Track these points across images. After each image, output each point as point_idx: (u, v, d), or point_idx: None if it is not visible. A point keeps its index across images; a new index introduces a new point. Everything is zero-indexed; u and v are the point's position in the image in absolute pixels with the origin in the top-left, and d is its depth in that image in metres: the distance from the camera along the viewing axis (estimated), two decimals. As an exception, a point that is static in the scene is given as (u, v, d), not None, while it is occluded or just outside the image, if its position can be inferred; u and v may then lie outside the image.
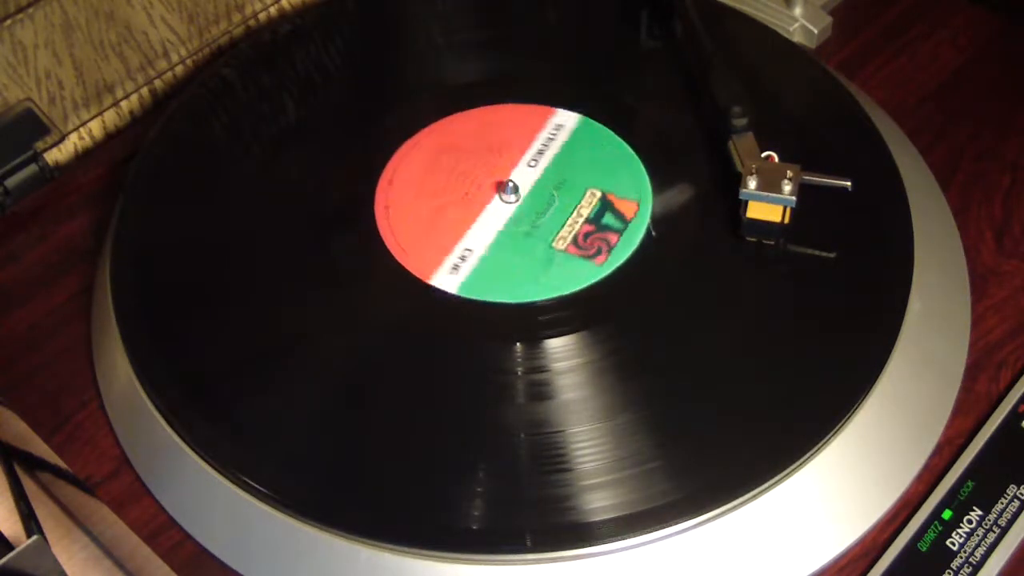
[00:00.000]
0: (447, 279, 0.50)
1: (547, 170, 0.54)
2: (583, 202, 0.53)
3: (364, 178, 0.54)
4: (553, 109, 0.57)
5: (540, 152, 0.55)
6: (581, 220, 0.52)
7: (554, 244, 0.51)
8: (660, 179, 0.54)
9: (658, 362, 0.48)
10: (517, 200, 0.53)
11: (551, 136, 0.56)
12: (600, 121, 0.56)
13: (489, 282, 0.50)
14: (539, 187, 0.54)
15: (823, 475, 0.45)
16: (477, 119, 0.57)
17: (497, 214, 0.53)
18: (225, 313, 0.51)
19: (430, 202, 0.53)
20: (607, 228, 0.52)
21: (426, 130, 0.56)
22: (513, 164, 0.55)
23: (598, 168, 0.54)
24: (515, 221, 0.53)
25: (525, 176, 0.54)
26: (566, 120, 0.57)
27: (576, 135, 0.56)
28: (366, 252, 0.52)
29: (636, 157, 0.55)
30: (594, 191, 0.53)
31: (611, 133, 0.56)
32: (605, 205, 0.53)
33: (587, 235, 0.51)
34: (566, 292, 0.50)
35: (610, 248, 0.51)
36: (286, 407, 0.47)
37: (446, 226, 0.52)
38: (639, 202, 0.53)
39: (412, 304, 0.50)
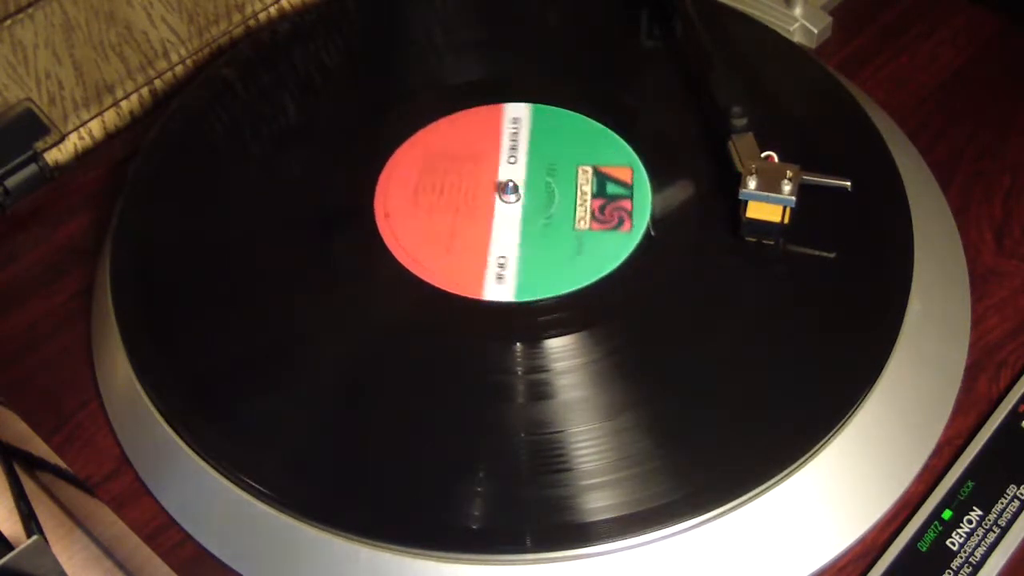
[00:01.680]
0: (497, 290, 0.50)
1: (530, 162, 0.55)
2: (580, 180, 0.53)
3: (364, 178, 0.54)
4: (501, 105, 0.57)
5: (513, 148, 0.55)
6: (588, 196, 0.52)
7: (576, 226, 0.52)
8: (660, 179, 0.54)
9: (658, 362, 0.48)
10: (519, 199, 0.53)
11: (514, 130, 0.56)
12: (598, 120, 0.56)
13: (538, 280, 0.50)
14: (532, 180, 0.54)
15: (823, 475, 0.45)
16: (439, 132, 0.57)
17: (508, 216, 0.53)
18: (225, 313, 0.51)
19: (431, 219, 0.53)
20: (616, 196, 0.52)
21: (407, 143, 0.56)
22: (495, 165, 0.55)
23: (574, 146, 0.55)
24: (529, 218, 0.53)
25: (513, 173, 0.54)
26: (518, 112, 0.57)
27: (536, 123, 0.56)
28: (366, 252, 0.52)
29: (603, 126, 0.56)
30: (584, 168, 0.53)
31: (568, 112, 0.56)
32: (601, 177, 0.53)
33: (602, 208, 0.52)
34: (615, 265, 0.50)
35: (629, 214, 0.52)
36: (286, 407, 0.47)
37: (465, 241, 0.52)
38: (631, 166, 0.53)
39: (413, 304, 0.50)
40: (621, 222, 0.51)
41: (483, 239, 0.52)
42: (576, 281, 0.50)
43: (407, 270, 0.51)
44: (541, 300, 0.49)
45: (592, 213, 0.52)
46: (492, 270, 0.51)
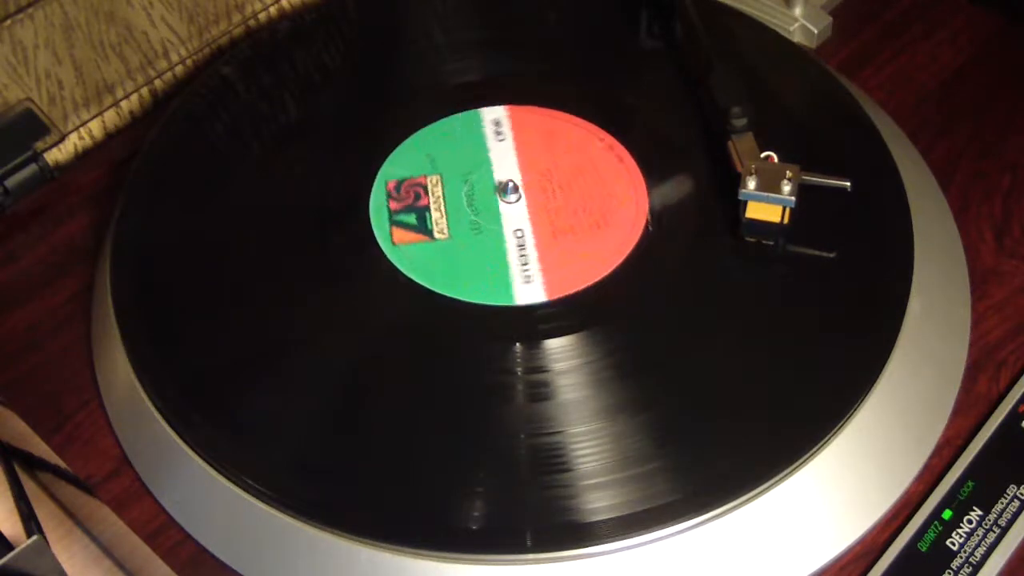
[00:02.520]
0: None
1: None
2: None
3: (365, 178, 0.54)
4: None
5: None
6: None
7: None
8: (660, 179, 0.54)
9: (658, 362, 0.48)
10: (519, 198, 0.53)
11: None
12: (600, 122, 0.56)
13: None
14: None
15: (823, 475, 0.45)
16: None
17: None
18: (225, 313, 0.51)
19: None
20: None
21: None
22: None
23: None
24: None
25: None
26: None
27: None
28: (365, 253, 0.52)
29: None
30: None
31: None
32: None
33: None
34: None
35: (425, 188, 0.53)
36: (286, 407, 0.47)
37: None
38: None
39: (412, 305, 0.50)
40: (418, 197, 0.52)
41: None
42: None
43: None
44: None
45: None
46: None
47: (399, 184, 0.53)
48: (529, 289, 0.50)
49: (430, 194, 0.53)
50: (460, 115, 0.57)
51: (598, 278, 0.50)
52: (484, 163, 0.55)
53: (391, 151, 0.55)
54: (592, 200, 0.53)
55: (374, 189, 0.53)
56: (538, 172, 0.54)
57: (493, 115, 0.57)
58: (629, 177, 0.54)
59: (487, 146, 0.55)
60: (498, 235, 0.52)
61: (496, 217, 0.53)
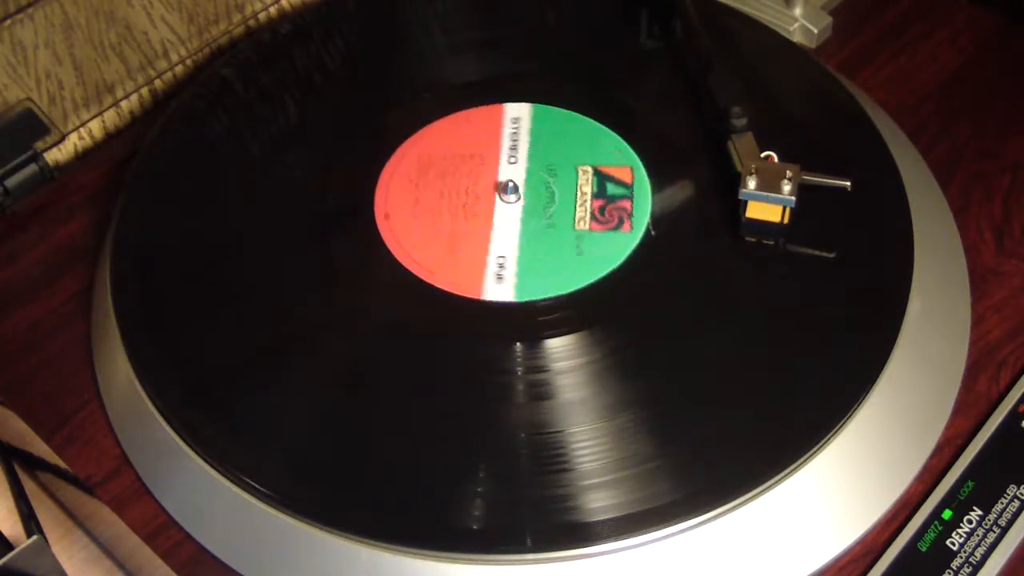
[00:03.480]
0: (497, 290, 0.50)
1: (530, 162, 0.55)
2: (580, 181, 0.53)
3: (364, 178, 0.54)
4: (501, 105, 0.57)
5: (513, 148, 0.55)
6: (588, 197, 0.52)
7: (576, 227, 0.52)
8: (660, 179, 0.54)
9: (658, 362, 0.48)
10: (519, 199, 0.53)
11: (514, 130, 0.56)
12: (598, 120, 0.56)
13: (538, 280, 0.50)
14: (532, 180, 0.54)
15: (823, 475, 0.45)
16: (439, 132, 0.57)
17: (508, 216, 0.53)
18: (225, 313, 0.51)
19: (431, 219, 0.53)
20: (616, 197, 0.52)
21: (407, 143, 0.56)
22: (495, 165, 0.55)
23: (575, 146, 0.55)
24: (528, 218, 0.53)
25: (513, 173, 0.54)
26: (519, 111, 0.57)
27: (537, 123, 0.56)
28: (365, 253, 0.52)
29: (603, 126, 0.56)
30: (584, 168, 0.53)
31: (567, 112, 0.57)
32: (602, 177, 0.53)
33: (602, 209, 0.52)
34: (614, 266, 0.50)
35: (629, 215, 0.52)
36: (286, 407, 0.47)
37: (465, 241, 0.52)
38: (631, 166, 0.54)
39: (413, 304, 0.50)
40: (621, 222, 0.51)
41: (483, 239, 0.52)
42: (576, 281, 0.50)
43: (407, 270, 0.51)
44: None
45: (592, 214, 0.52)
46: (492, 270, 0.51)
47: (602, 209, 0.52)
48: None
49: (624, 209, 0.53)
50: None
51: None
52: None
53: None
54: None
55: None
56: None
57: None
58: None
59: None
60: None
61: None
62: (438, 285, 0.50)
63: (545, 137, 0.56)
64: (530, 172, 0.54)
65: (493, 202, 0.53)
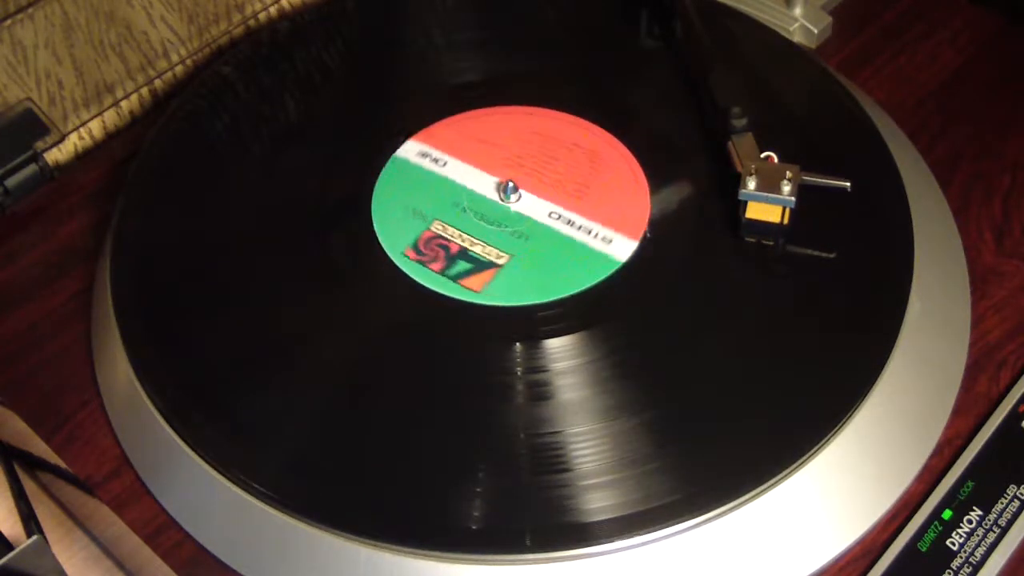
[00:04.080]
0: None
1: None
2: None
3: (364, 178, 0.54)
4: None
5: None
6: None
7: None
8: (659, 179, 0.54)
9: (658, 362, 0.48)
10: (519, 198, 0.53)
11: None
12: (599, 123, 0.56)
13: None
14: None
15: (823, 475, 0.45)
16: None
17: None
18: (225, 313, 0.51)
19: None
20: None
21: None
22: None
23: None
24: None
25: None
26: None
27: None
28: (365, 253, 0.52)
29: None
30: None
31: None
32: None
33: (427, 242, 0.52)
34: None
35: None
36: (286, 407, 0.47)
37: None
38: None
39: (412, 305, 0.50)
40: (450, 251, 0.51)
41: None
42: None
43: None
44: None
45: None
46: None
47: (416, 248, 0.51)
48: (618, 245, 0.51)
49: (450, 239, 0.51)
50: (386, 166, 0.55)
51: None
52: (455, 187, 0.54)
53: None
54: (573, 162, 0.54)
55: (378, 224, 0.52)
56: (507, 164, 0.55)
57: (414, 150, 0.55)
58: (583, 127, 0.56)
59: (439, 175, 0.54)
60: (542, 228, 0.52)
61: (521, 218, 0.53)
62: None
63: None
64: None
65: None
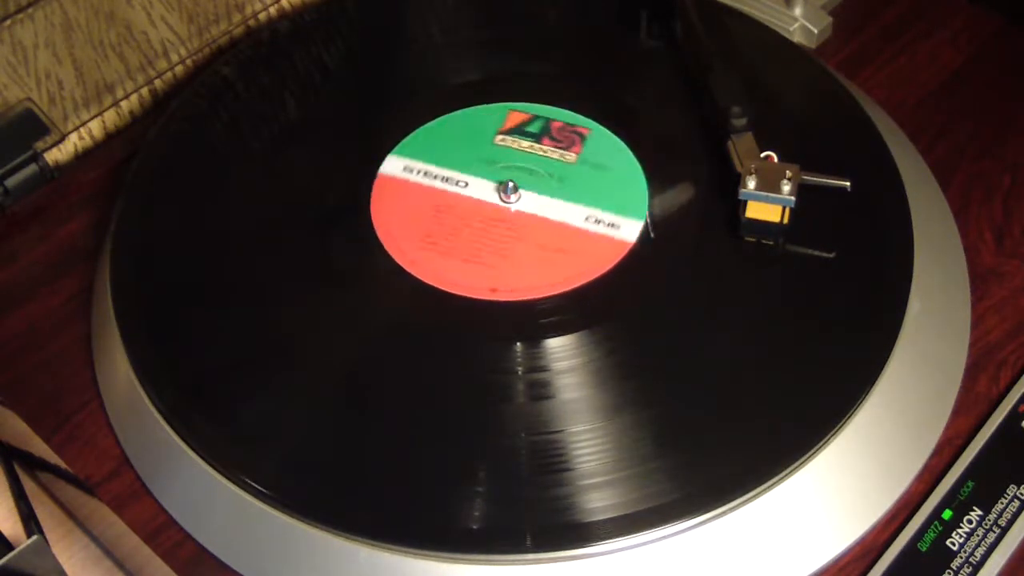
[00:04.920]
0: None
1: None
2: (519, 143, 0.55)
3: (363, 177, 0.54)
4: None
5: None
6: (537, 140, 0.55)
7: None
8: (659, 179, 0.54)
9: (658, 362, 0.48)
10: (519, 198, 0.53)
11: None
12: (600, 122, 0.56)
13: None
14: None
15: (823, 475, 0.45)
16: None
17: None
18: (225, 313, 0.51)
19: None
20: (572, 124, 0.55)
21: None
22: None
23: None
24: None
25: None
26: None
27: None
28: (365, 252, 0.52)
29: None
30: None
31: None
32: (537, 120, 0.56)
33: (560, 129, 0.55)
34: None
35: (583, 138, 0.54)
36: (286, 407, 0.47)
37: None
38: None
39: (412, 305, 0.50)
40: (572, 143, 0.53)
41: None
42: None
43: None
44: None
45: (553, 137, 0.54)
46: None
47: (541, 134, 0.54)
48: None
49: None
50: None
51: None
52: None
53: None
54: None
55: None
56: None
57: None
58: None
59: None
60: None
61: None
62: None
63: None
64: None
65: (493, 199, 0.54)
